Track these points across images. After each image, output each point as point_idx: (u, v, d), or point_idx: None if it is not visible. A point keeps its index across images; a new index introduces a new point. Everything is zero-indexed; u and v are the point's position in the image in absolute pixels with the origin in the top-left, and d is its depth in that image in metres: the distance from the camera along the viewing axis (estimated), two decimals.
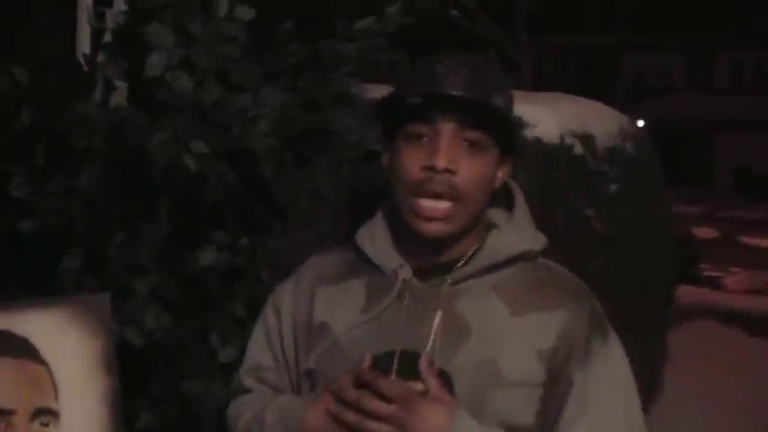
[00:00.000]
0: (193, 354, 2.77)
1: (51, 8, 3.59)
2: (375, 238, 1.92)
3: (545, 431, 1.81)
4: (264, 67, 2.85)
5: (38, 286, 2.71)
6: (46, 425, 2.02)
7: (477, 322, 1.81)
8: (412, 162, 1.79)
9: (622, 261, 3.31)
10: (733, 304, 10.66)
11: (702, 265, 13.70)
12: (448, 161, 1.76)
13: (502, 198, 1.98)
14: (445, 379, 1.77)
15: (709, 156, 34.14)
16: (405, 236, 1.87)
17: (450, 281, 1.84)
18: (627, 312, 3.43)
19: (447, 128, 1.78)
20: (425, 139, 1.79)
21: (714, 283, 13.21)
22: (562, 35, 34.04)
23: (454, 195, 1.78)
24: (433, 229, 1.79)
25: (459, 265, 1.86)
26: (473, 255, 1.87)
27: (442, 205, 1.78)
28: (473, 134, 1.79)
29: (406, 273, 1.85)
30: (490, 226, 1.92)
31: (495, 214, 1.94)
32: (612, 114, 3.76)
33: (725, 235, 20.03)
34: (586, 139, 3.36)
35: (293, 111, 2.82)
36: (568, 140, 3.27)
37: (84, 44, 3.27)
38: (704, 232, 18.10)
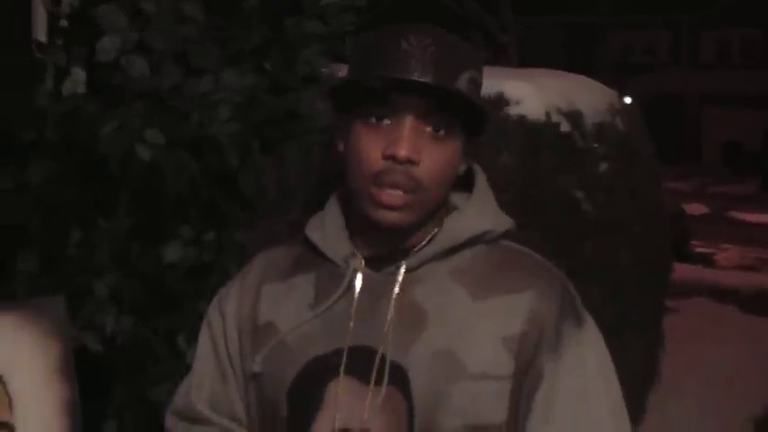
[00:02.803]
0: (159, 357, 2.67)
1: None
2: (325, 228, 1.79)
3: (517, 428, 1.66)
4: (226, 49, 2.70)
5: None
6: None
7: (434, 310, 1.66)
8: (371, 149, 1.62)
9: (615, 244, 3.18)
10: (725, 281, 10.70)
11: (693, 242, 13.71)
12: (411, 151, 1.60)
13: (462, 179, 1.82)
14: (399, 374, 1.64)
15: (697, 131, 34.27)
16: (358, 224, 1.74)
17: (405, 267, 1.70)
18: (621, 297, 3.30)
19: (410, 113, 1.61)
20: (386, 122, 1.63)
21: (706, 260, 13.26)
22: (547, 14, 34.09)
23: (414, 187, 1.63)
24: (392, 218, 1.64)
25: (416, 249, 1.72)
26: (431, 239, 1.73)
27: (401, 193, 1.63)
28: (438, 120, 1.64)
29: (356, 262, 1.72)
30: (450, 209, 1.78)
31: (455, 197, 1.80)
32: (600, 89, 3.64)
33: (715, 211, 20.12)
34: (573, 116, 3.24)
35: (259, 94, 2.68)
36: (555, 118, 3.15)
37: (39, 30, 3.10)
38: (694, 209, 18.15)
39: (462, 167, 1.74)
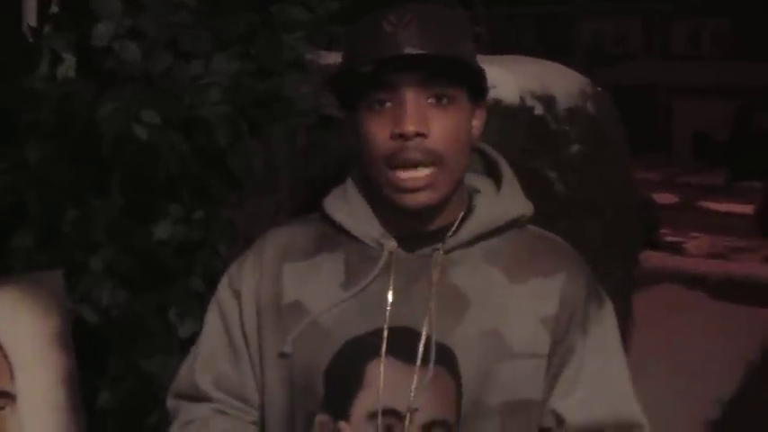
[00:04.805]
0: (151, 330, 2.70)
1: None
2: (351, 209, 1.76)
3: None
4: (215, 34, 2.76)
5: None
6: (2, 408, 1.97)
7: (475, 292, 1.68)
8: (379, 132, 1.63)
9: (586, 224, 3.25)
10: (694, 268, 10.75)
11: (662, 231, 13.77)
12: (417, 124, 1.60)
13: (477, 162, 1.85)
14: (446, 355, 1.65)
15: (667, 122, 34.33)
16: (382, 205, 1.73)
17: (442, 250, 1.70)
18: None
19: (408, 89, 1.62)
20: (388, 104, 1.63)
21: (675, 249, 13.31)
22: (518, 4, 34.04)
23: (432, 160, 1.62)
24: (419, 199, 1.65)
25: (450, 233, 1.72)
26: (462, 222, 1.74)
27: (423, 173, 1.63)
28: (438, 89, 1.64)
29: (391, 244, 1.71)
30: (472, 191, 1.80)
31: (474, 179, 1.82)
32: (573, 75, 3.69)
33: (684, 200, 20.19)
34: (547, 100, 3.29)
35: (246, 78, 2.75)
36: (529, 101, 3.20)
37: (29, 16, 3.17)
38: (663, 198, 18.21)
39: (476, 138, 1.74)
